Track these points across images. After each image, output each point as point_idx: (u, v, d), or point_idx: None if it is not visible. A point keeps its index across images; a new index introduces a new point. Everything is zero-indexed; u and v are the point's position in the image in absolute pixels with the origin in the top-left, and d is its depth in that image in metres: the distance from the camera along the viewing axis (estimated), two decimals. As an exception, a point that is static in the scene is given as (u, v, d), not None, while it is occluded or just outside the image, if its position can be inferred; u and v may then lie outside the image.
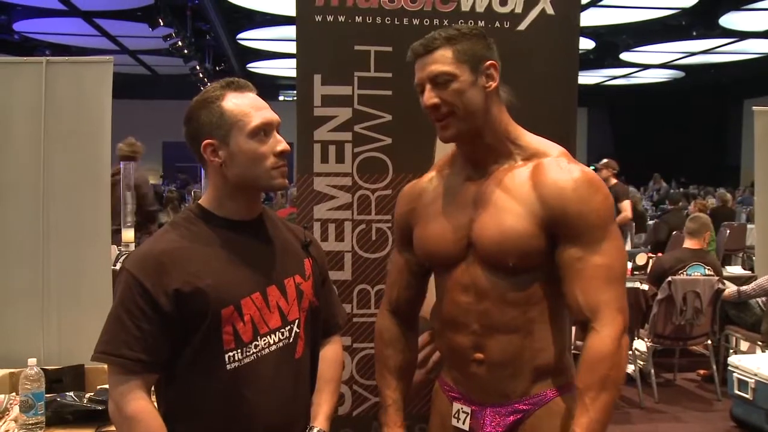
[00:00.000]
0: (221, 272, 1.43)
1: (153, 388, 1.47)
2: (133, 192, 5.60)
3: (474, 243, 1.55)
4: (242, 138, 1.42)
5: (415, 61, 1.55)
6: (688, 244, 4.87)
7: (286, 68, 14.10)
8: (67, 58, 3.24)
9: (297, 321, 1.53)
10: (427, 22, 2.21)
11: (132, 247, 5.03)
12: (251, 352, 1.45)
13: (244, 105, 1.44)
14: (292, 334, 1.52)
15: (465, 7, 2.23)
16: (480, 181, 1.58)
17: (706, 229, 4.92)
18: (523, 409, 1.56)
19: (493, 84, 1.53)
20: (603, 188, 1.52)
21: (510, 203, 1.52)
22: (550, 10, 2.24)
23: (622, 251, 1.53)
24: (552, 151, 1.57)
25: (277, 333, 1.49)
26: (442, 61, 1.50)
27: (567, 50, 2.29)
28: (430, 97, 1.51)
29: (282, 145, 1.46)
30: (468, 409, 1.61)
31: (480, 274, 1.54)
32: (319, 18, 2.21)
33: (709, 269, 4.73)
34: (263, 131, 1.44)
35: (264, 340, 1.46)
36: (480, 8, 2.23)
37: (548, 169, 1.52)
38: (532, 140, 1.60)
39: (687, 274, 4.67)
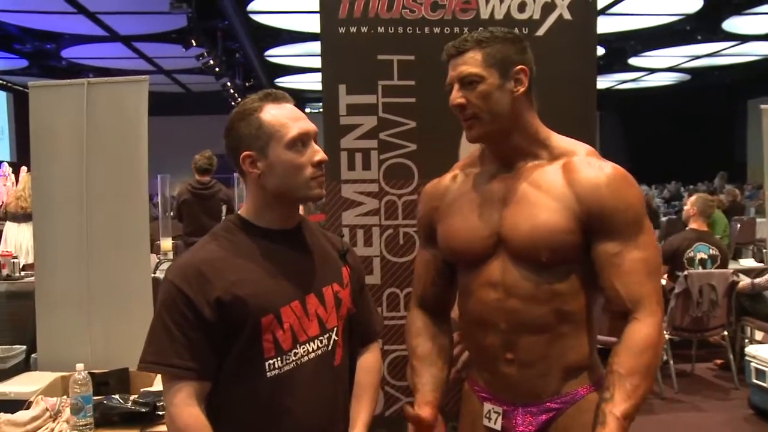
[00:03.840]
0: (261, 281, 1.36)
1: None
2: (175, 203, 5.62)
3: (505, 238, 1.47)
4: (280, 149, 1.36)
5: (449, 61, 1.49)
6: (693, 225, 4.85)
7: (312, 82, 14.12)
8: (105, 78, 3.24)
9: (335, 329, 1.46)
10: (447, 30, 2.14)
11: (171, 255, 5.05)
12: (291, 360, 1.38)
13: (281, 116, 1.37)
14: (331, 342, 1.44)
15: (484, 14, 2.16)
16: (507, 177, 1.50)
17: (711, 209, 4.93)
18: (554, 407, 1.48)
19: (522, 88, 1.46)
20: (635, 183, 1.46)
21: (542, 199, 1.44)
22: (567, 16, 2.16)
23: (656, 244, 1.46)
24: (580, 150, 1.50)
25: (315, 341, 1.42)
26: (471, 63, 1.44)
27: (585, 54, 2.21)
28: (456, 96, 1.46)
29: (320, 155, 1.39)
30: (499, 409, 1.52)
31: (509, 270, 1.46)
32: (342, 30, 2.15)
33: (713, 249, 4.70)
34: (301, 142, 1.37)
35: (303, 348, 1.39)
36: (499, 15, 2.16)
37: (580, 167, 1.45)
38: (560, 141, 1.52)
39: (693, 253, 4.64)
